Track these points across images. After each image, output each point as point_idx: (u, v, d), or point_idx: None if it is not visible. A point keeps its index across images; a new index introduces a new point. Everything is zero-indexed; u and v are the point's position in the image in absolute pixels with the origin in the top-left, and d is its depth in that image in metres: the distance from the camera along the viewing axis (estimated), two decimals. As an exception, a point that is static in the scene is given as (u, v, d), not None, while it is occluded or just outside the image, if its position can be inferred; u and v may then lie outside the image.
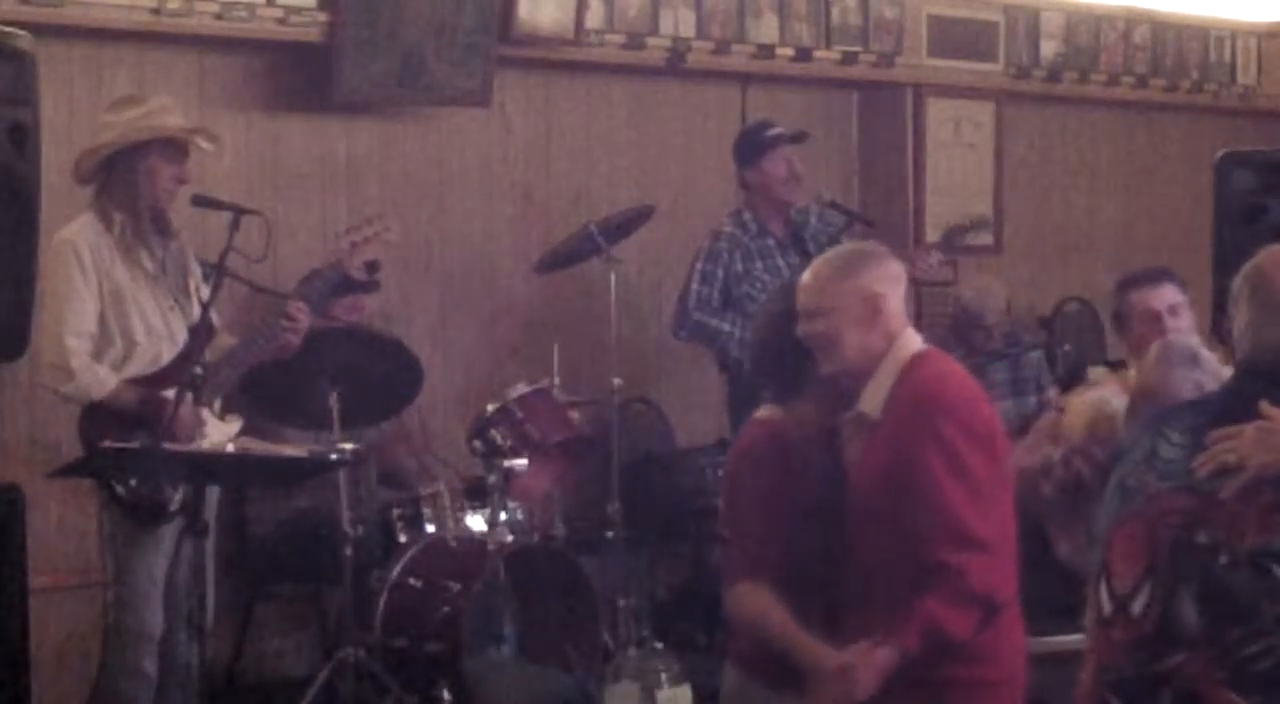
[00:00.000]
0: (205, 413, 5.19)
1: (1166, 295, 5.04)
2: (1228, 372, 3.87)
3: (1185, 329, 4.76)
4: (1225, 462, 2.85)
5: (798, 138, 6.91)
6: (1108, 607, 2.93)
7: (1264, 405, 2.84)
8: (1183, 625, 2.83)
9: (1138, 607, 2.88)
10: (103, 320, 5.09)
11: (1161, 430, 3.00)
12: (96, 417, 5.08)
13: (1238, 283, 3.01)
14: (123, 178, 5.10)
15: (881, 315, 3.62)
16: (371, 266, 5.97)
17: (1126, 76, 8.98)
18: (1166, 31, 9.11)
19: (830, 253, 3.90)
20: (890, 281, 3.65)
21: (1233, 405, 2.92)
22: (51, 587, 5.79)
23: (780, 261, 6.66)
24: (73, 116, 5.66)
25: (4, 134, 4.19)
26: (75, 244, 5.05)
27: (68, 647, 5.99)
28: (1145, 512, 2.92)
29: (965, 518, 3.48)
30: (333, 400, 5.57)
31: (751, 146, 6.84)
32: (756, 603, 3.66)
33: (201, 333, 5.11)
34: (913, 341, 3.67)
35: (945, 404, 3.55)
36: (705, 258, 6.68)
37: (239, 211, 5.22)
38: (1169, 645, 2.84)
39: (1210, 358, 4.19)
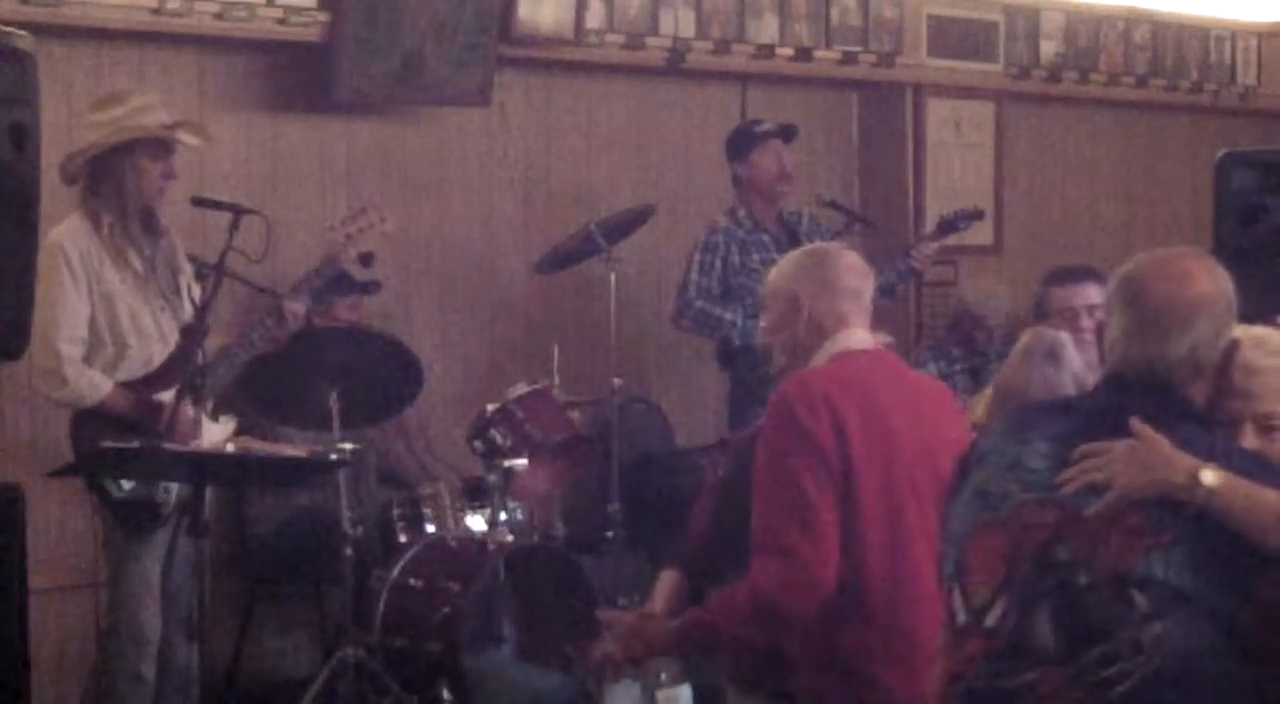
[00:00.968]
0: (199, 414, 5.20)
1: (1088, 294, 5.14)
2: (1091, 374, 3.90)
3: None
4: (1092, 480, 2.77)
5: (787, 132, 6.93)
6: (962, 616, 2.85)
7: (1135, 423, 2.76)
8: (1037, 641, 2.77)
9: (992, 619, 2.81)
10: (93, 323, 5.08)
11: (1027, 437, 2.90)
12: (88, 421, 5.07)
13: (1111, 289, 2.92)
14: (109, 178, 5.09)
15: (802, 314, 3.69)
16: (366, 258, 5.96)
17: (1126, 76, 8.98)
18: (1166, 31, 9.12)
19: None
20: (818, 282, 3.70)
21: (1100, 417, 2.84)
22: (51, 587, 5.79)
23: (776, 256, 6.67)
24: (73, 116, 5.65)
25: (4, 134, 4.18)
26: (64, 247, 5.03)
27: (67, 647, 5.98)
28: (1007, 522, 2.85)
29: (768, 521, 3.49)
30: (333, 400, 5.57)
31: (742, 141, 6.92)
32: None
33: (197, 333, 5.10)
34: (847, 340, 3.69)
35: (782, 404, 3.56)
36: (703, 249, 6.75)
37: (239, 211, 5.22)
38: (1022, 661, 2.77)
39: (1074, 358, 4.18)
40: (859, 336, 3.72)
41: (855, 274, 3.77)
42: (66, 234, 5.07)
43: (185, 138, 5.22)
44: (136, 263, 5.15)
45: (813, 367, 3.68)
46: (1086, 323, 5.03)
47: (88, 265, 5.06)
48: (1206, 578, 2.70)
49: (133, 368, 5.12)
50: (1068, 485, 2.79)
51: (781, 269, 3.84)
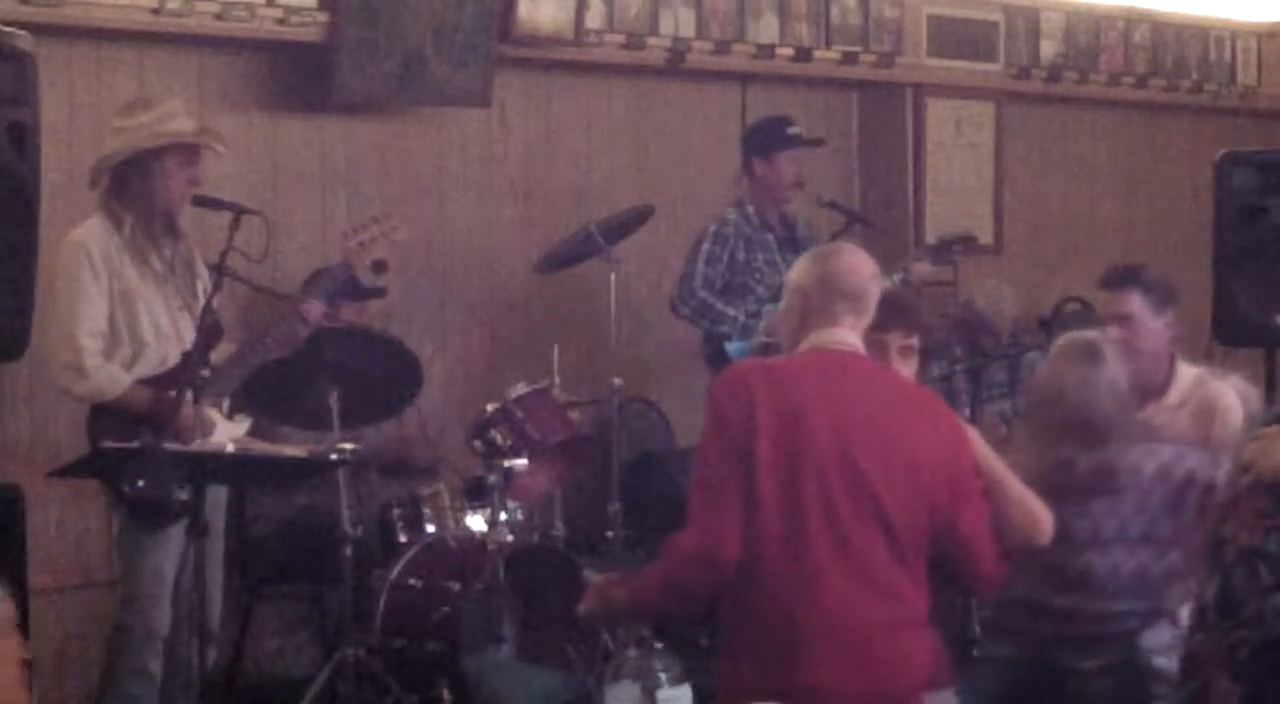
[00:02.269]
0: (214, 413, 5.20)
1: (1122, 303, 4.99)
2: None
3: None
4: (1243, 461, 3.01)
5: (815, 143, 6.95)
6: None
7: None
8: (1206, 609, 3.07)
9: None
10: (112, 321, 5.09)
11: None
12: (105, 416, 5.07)
13: None
14: (137, 182, 5.10)
15: (800, 308, 3.84)
16: (379, 266, 5.95)
17: (1126, 76, 8.99)
18: (1166, 31, 9.12)
19: None
20: (815, 279, 3.83)
21: None
22: (51, 587, 5.79)
23: (778, 257, 6.68)
24: (73, 116, 5.66)
25: (4, 134, 4.20)
26: (86, 245, 5.05)
27: (68, 647, 5.98)
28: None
29: (689, 497, 3.72)
30: (333, 400, 5.57)
31: (770, 139, 6.85)
32: None
33: (207, 333, 5.11)
34: (823, 338, 3.79)
35: (713, 390, 3.84)
36: (712, 240, 6.71)
37: (239, 211, 5.22)
38: (1196, 626, 3.15)
39: (1113, 359, 4.42)
40: (838, 336, 3.79)
41: (854, 276, 3.82)
42: (88, 233, 5.08)
43: (216, 147, 5.25)
44: (157, 264, 5.16)
45: (773, 360, 3.92)
46: (1117, 333, 4.88)
47: (108, 263, 5.07)
48: None
49: (149, 367, 5.12)
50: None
51: (798, 263, 3.97)
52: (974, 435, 3.89)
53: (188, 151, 5.17)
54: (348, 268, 5.51)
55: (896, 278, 6.86)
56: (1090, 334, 4.62)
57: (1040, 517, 3.83)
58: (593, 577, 4.09)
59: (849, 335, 3.80)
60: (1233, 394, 4.82)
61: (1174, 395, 4.90)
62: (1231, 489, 3.01)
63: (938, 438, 3.75)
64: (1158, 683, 4.25)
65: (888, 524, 3.65)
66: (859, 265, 3.87)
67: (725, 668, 3.76)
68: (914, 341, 4.09)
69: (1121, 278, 4.97)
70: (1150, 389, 4.84)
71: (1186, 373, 4.95)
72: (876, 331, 3.94)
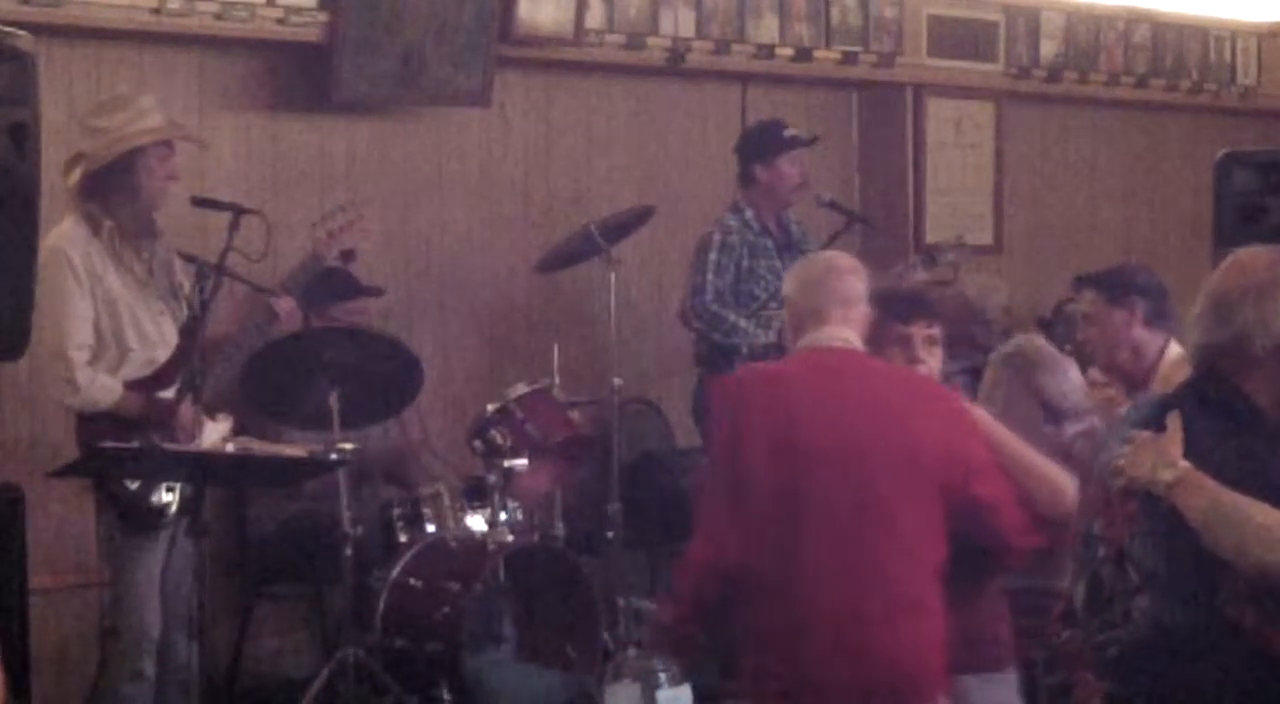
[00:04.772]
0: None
1: (1083, 301, 5.20)
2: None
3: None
4: (1117, 465, 3.04)
5: (811, 142, 6.94)
6: None
7: (1170, 415, 2.99)
8: (1076, 605, 3.10)
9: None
10: (96, 326, 5.08)
11: (1124, 420, 3.25)
12: (95, 421, 5.07)
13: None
14: (119, 181, 5.09)
15: (792, 318, 3.99)
16: (348, 255, 5.98)
17: (1126, 76, 8.99)
18: (1166, 31, 9.12)
19: None
20: (801, 282, 3.97)
21: (1165, 407, 3.09)
22: (51, 587, 5.79)
23: (778, 262, 6.67)
24: (73, 116, 5.65)
25: (4, 134, 4.18)
26: (66, 252, 5.03)
27: (67, 647, 5.98)
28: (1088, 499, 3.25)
29: (696, 503, 3.87)
30: (333, 400, 5.57)
31: (769, 144, 6.83)
32: None
33: (195, 333, 5.11)
34: (816, 338, 3.88)
35: (710, 395, 4.08)
36: (718, 249, 6.68)
37: (239, 211, 5.23)
38: (1068, 623, 3.13)
39: (1054, 367, 4.68)
40: (829, 332, 3.87)
41: (833, 273, 3.95)
42: (66, 238, 5.06)
43: (192, 139, 5.28)
44: (136, 267, 5.15)
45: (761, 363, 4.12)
46: (1086, 333, 5.06)
47: (90, 269, 5.06)
48: (1174, 564, 2.89)
49: (134, 370, 5.13)
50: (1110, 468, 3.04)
51: (785, 280, 4.14)
52: (981, 413, 3.94)
53: (166, 147, 5.19)
54: (319, 260, 5.55)
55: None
56: (1024, 341, 4.78)
57: (1062, 486, 3.86)
58: (651, 609, 4.22)
59: (840, 330, 3.87)
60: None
61: (1158, 384, 4.95)
62: (1102, 489, 3.06)
63: (939, 419, 3.81)
64: None
65: (888, 514, 3.69)
66: (836, 262, 4.03)
67: (745, 668, 3.83)
68: (936, 331, 4.15)
69: (1079, 282, 5.26)
70: (1134, 380, 4.98)
71: (1173, 359, 5.00)
72: (901, 324, 4.05)
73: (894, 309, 4.08)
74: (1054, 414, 4.63)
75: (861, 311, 3.92)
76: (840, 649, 3.66)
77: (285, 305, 5.40)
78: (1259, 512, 2.79)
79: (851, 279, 3.93)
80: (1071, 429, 4.60)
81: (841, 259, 4.08)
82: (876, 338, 3.99)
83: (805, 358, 3.89)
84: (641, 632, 4.05)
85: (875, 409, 3.77)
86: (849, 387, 3.81)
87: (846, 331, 3.87)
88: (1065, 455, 4.53)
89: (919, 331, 4.10)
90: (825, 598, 3.67)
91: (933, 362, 4.11)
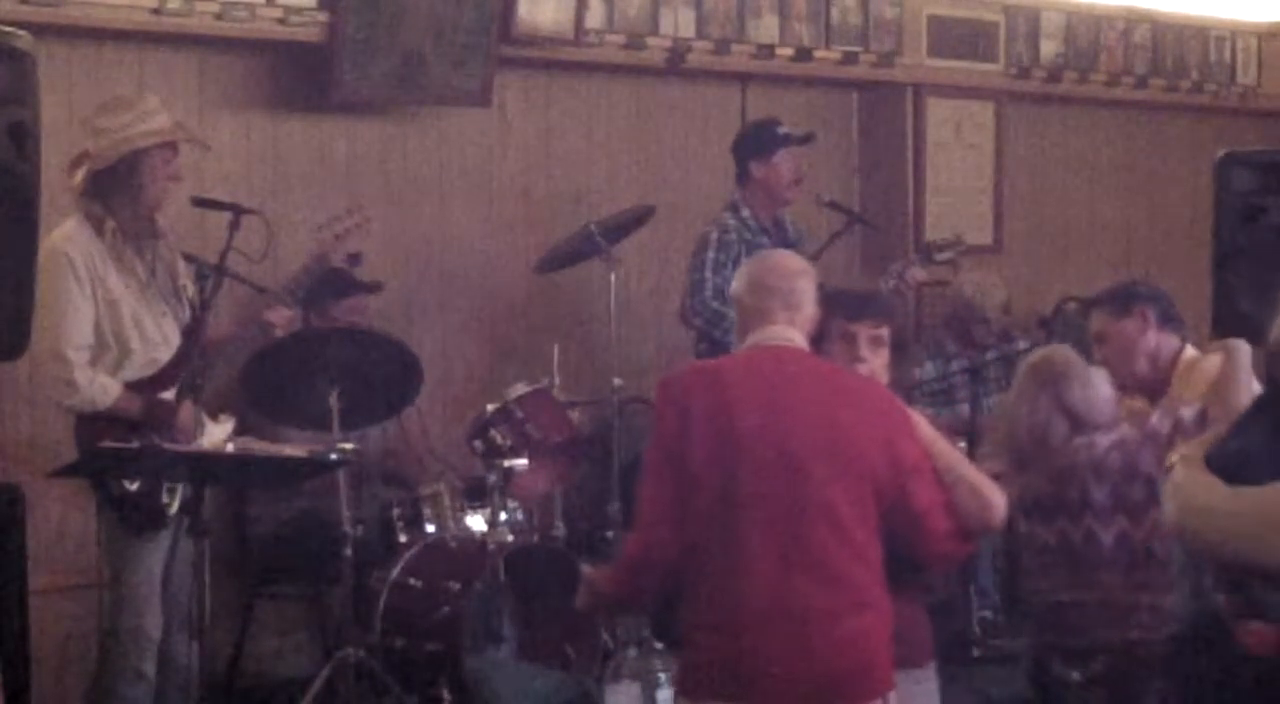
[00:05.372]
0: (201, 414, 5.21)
1: (1093, 323, 5.26)
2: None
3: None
4: None
5: (807, 139, 6.93)
6: None
7: None
8: None
9: None
10: (97, 327, 5.08)
11: None
12: (94, 422, 5.07)
13: None
14: (123, 182, 5.09)
15: (739, 316, 3.99)
16: (354, 258, 5.99)
17: (1126, 76, 8.98)
18: (1166, 31, 9.12)
19: None
20: (745, 281, 3.97)
21: None
22: (51, 587, 5.79)
23: (773, 259, 6.67)
24: (73, 116, 5.65)
25: (4, 134, 4.18)
26: (68, 252, 5.03)
27: (68, 647, 5.99)
28: None
29: (636, 498, 3.85)
30: (333, 400, 5.57)
31: (764, 141, 6.82)
32: None
33: (196, 333, 5.11)
34: (760, 336, 3.89)
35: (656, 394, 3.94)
36: (716, 247, 6.66)
37: (239, 211, 5.23)
38: None
39: (1084, 378, 4.69)
40: (772, 332, 3.88)
41: (778, 273, 3.95)
42: (68, 239, 5.06)
43: (196, 140, 5.28)
44: (138, 268, 5.15)
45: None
46: (1101, 351, 5.09)
47: (91, 270, 5.06)
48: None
49: (136, 371, 5.13)
50: None
51: (738, 272, 4.13)
52: (919, 419, 3.92)
53: (170, 149, 5.19)
54: (325, 261, 5.55)
55: (890, 283, 6.85)
56: (1053, 351, 4.80)
57: (990, 499, 3.86)
58: (586, 571, 4.23)
59: (784, 330, 3.88)
60: (1211, 359, 4.87)
61: (1176, 386, 4.99)
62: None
63: (876, 420, 3.80)
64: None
65: (831, 511, 3.69)
66: (784, 262, 4.04)
67: (686, 663, 3.85)
68: (883, 332, 4.15)
69: (1089, 305, 5.38)
70: (1155, 388, 4.99)
71: (1188, 361, 5.02)
72: (846, 322, 4.08)
73: (841, 307, 4.10)
74: (1081, 425, 4.61)
75: (808, 313, 3.92)
76: (779, 642, 3.66)
77: (278, 318, 5.41)
78: (1202, 489, 2.80)
79: (800, 281, 3.92)
80: (1104, 440, 4.59)
81: (792, 260, 4.07)
82: (821, 335, 4.01)
83: (748, 356, 3.90)
84: (578, 595, 4.04)
85: (813, 408, 3.77)
86: (789, 385, 3.81)
87: (791, 332, 3.88)
88: (1098, 467, 4.55)
89: (864, 331, 4.11)
90: (764, 593, 3.67)
91: (876, 362, 4.11)
